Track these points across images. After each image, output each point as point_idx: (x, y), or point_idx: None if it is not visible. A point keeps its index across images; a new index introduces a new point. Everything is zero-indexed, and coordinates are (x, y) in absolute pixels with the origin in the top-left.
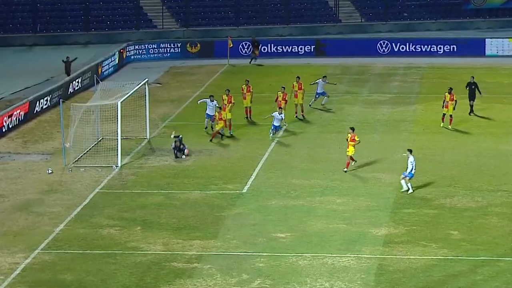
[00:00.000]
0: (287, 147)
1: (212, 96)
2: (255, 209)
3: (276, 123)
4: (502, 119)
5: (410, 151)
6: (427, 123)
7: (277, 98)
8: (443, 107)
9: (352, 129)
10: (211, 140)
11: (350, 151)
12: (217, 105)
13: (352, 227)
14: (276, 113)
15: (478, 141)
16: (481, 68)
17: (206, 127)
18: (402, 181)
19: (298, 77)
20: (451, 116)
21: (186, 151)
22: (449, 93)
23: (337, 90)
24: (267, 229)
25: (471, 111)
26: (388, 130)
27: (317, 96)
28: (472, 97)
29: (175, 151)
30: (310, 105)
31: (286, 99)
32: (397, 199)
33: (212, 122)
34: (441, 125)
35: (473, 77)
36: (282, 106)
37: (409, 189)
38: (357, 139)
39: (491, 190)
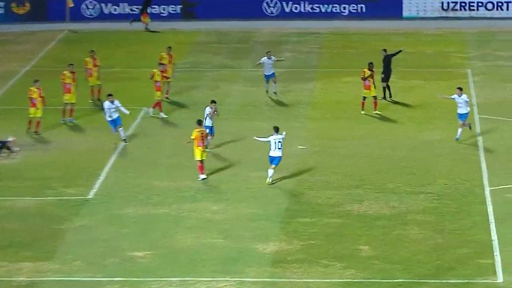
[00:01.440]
0: (147, 137)
1: (111, 95)
2: (105, 220)
3: (208, 123)
4: (425, 100)
5: (277, 129)
6: (329, 106)
7: (153, 75)
8: (364, 93)
9: (200, 122)
10: (29, 130)
11: (198, 154)
12: (119, 105)
13: (232, 242)
14: (207, 109)
15: (394, 128)
16: (397, 34)
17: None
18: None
19: (170, 48)
20: (375, 98)
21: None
22: (370, 69)
23: (212, 64)
24: (121, 246)
25: (386, 95)
26: (278, 115)
27: (267, 79)
28: (385, 77)
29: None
30: (273, 93)
31: (167, 75)
32: (290, 205)
33: (115, 131)
34: (362, 112)
35: (385, 50)
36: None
37: (268, 177)
38: (193, 137)
39: (410, 193)
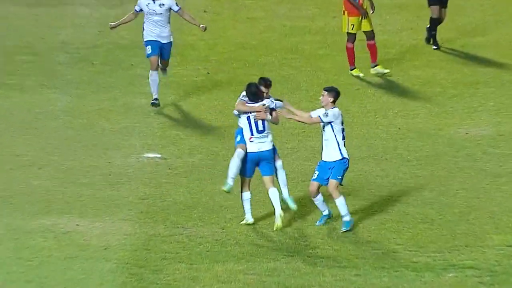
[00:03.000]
0: None
1: None
2: None
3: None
4: (452, 45)
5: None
6: (220, 68)
7: None
8: (350, 27)
9: None
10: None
11: None
12: None
13: None
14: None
15: (387, 110)
16: None
17: None
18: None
19: None
20: (372, 36)
21: None
22: None
23: None
24: None
25: (434, 39)
26: (100, 89)
27: (151, 53)
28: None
29: None
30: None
31: None
32: None
33: None
34: (354, 73)
35: None
36: None
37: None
38: None
39: (425, 267)
